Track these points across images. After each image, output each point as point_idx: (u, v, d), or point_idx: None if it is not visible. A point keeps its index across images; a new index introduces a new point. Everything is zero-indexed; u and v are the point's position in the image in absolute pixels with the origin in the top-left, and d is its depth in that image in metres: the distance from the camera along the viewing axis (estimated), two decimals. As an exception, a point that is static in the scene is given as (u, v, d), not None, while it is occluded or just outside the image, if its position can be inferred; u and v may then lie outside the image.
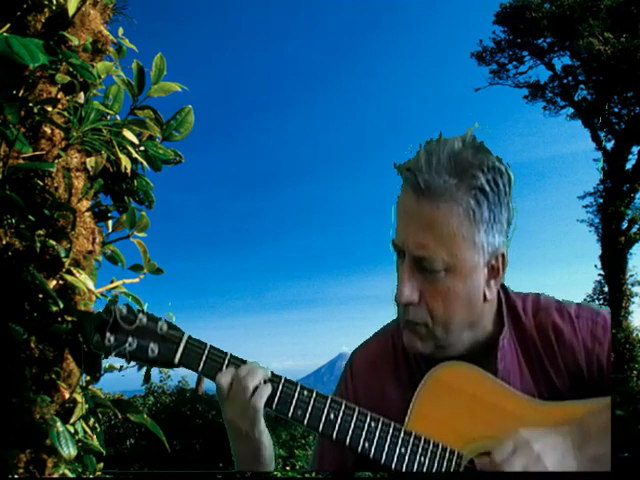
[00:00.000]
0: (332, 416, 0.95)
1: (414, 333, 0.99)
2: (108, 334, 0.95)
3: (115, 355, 0.96)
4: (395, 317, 1.09)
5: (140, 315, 0.97)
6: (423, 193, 0.92)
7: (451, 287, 0.95)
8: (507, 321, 1.03)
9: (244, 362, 0.98)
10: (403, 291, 0.96)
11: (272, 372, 0.98)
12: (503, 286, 1.06)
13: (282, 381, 0.97)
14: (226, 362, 0.97)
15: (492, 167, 0.93)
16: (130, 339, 0.96)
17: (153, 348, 0.96)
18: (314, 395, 0.96)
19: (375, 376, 1.09)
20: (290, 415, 0.96)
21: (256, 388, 0.94)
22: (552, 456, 0.91)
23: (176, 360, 0.97)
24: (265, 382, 0.96)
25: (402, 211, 0.97)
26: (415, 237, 0.94)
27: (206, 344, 0.98)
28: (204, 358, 0.97)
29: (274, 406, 0.96)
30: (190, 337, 0.98)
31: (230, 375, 0.96)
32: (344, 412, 0.96)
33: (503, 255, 0.98)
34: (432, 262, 0.93)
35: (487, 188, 0.92)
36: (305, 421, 0.95)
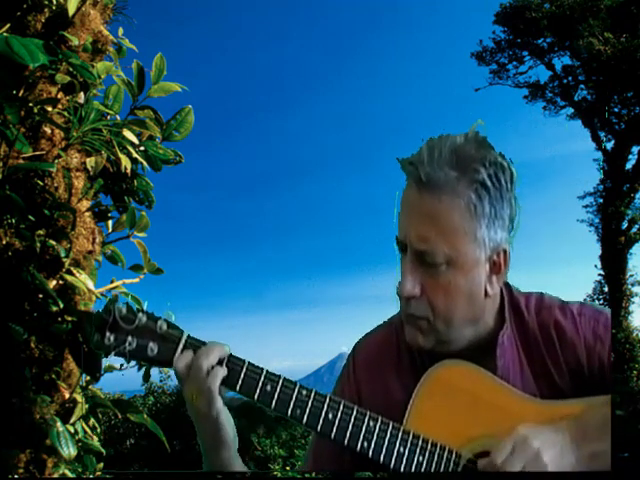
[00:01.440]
0: (331, 415, 0.95)
1: (416, 327, 0.99)
2: (108, 333, 0.95)
3: (115, 354, 0.96)
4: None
5: (140, 314, 0.97)
6: (425, 186, 0.92)
7: (452, 281, 0.95)
8: (508, 318, 1.03)
9: (204, 344, 0.98)
10: (405, 284, 0.96)
11: (268, 370, 0.97)
12: (507, 284, 1.07)
13: (280, 380, 0.96)
14: (181, 345, 0.97)
15: (494, 162, 0.93)
16: (130, 338, 0.96)
17: (152, 347, 0.96)
18: (313, 394, 0.96)
19: (378, 368, 1.09)
20: (289, 415, 0.95)
21: (211, 369, 0.94)
22: (551, 453, 0.91)
23: (175, 359, 0.97)
24: (221, 364, 0.96)
25: (404, 205, 0.97)
26: (417, 230, 0.94)
27: (205, 343, 0.98)
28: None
29: (273, 406, 0.96)
30: (189, 336, 0.98)
31: (190, 357, 0.96)
32: (343, 411, 0.96)
33: (505, 251, 0.98)
34: (434, 255, 0.93)
35: (488, 183, 0.92)
36: (304, 421, 0.95)
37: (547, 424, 0.95)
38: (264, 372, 0.97)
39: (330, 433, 0.95)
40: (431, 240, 0.93)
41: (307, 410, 0.95)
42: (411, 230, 0.95)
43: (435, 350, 1.00)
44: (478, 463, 0.94)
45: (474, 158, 0.92)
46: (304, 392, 0.96)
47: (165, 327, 0.97)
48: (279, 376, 0.97)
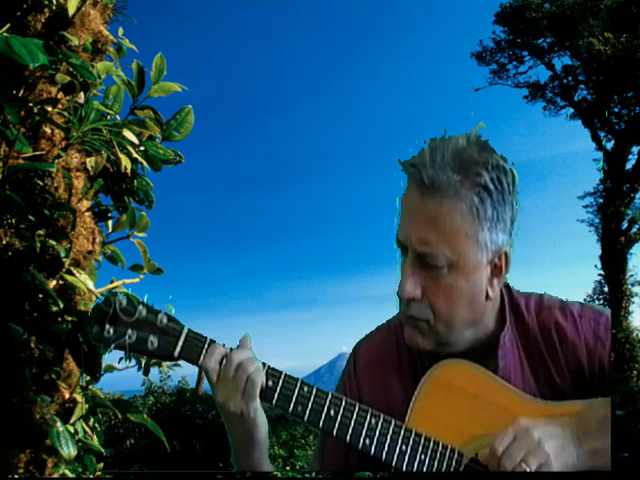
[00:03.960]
0: (332, 412, 0.95)
1: (416, 329, 0.99)
2: (107, 326, 0.95)
3: (115, 348, 0.96)
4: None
5: (140, 307, 0.97)
6: (427, 189, 0.92)
7: (453, 284, 0.95)
8: (509, 319, 1.03)
9: (205, 338, 0.98)
10: (405, 286, 0.96)
11: (270, 366, 0.98)
12: (507, 285, 1.07)
13: (282, 376, 0.96)
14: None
15: (496, 166, 0.93)
16: (130, 331, 0.95)
17: (153, 341, 0.96)
18: (314, 391, 0.96)
19: (379, 369, 1.10)
20: (290, 411, 0.95)
21: (255, 370, 0.95)
22: (552, 443, 0.91)
23: (176, 353, 0.96)
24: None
25: (406, 207, 0.97)
26: (418, 233, 0.94)
27: (206, 337, 0.98)
28: (204, 351, 0.97)
29: (274, 402, 0.96)
30: (190, 330, 0.98)
31: (220, 355, 0.96)
32: (345, 408, 0.96)
33: (506, 254, 0.98)
34: (435, 258, 0.93)
35: (491, 186, 0.92)
36: (305, 417, 0.95)
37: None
38: (265, 367, 0.97)
39: (332, 430, 0.95)
40: (432, 243, 0.93)
41: (309, 407, 0.95)
42: (412, 232, 0.95)
43: (435, 351, 1.00)
44: (479, 455, 0.94)
45: (476, 161, 0.92)
46: (306, 388, 0.96)
47: (166, 320, 0.97)
48: (281, 372, 0.97)
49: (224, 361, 0.96)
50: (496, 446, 0.91)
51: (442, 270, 0.94)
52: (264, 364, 0.98)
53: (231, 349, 0.98)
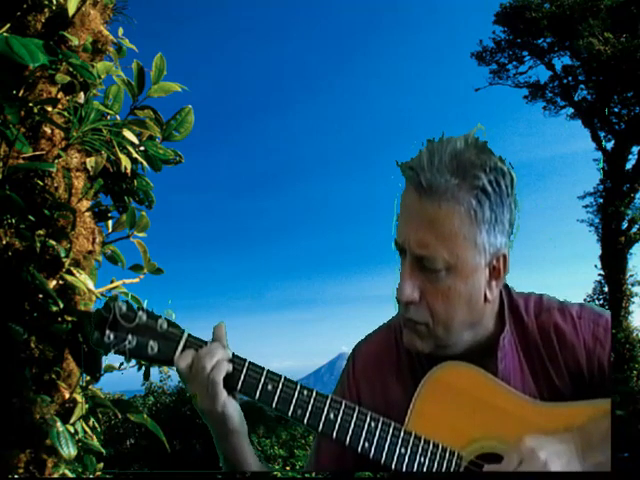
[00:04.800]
0: (332, 416, 0.95)
1: (414, 332, 0.99)
2: (107, 331, 0.95)
3: (115, 352, 0.96)
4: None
5: (140, 313, 0.97)
6: (425, 192, 0.92)
7: (452, 287, 0.95)
8: (508, 321, 1.03)
9: (205, 343, 0.98)
10: (404, 289, 0.96)
11: (269, 370, 0.98)
12: (506, 286, 1.07)
13: (282, 380, 0.97)
14: (182, 344, 0.97)
15: (494, 168, 0.93)
16: (130, 337, 0.96)
17: (153, 346, 0.96)
18: (314, 394, 0.96)
19: (378, 370, 1.09)
20: (290, 414, 0.96)
21: (214, 367, 0.95)
22: (558, 464, 0.91)
23: (176, 357, 0.97)
24: (224, 361, 0.96)
25: (404, 209, 0.97)
26: (416, 235, 0.94)
27: (206, 342, 0.98)
28: None
29: (274, 405, 0.96)
30: (190, 335, 0.98)
31: (190, 357, 0.96)
32: (344, 412, 0.96)
33: (505, 256, 0.98)
34: (433, 261, 0.93)
35: (489, 189, 0.92)
36: (305, 420, 0.95)
37: (549, 427, 0.95)
38: (265, 372, 0.97)
39: (332, 433, 0.95)
40: (431, 246, 0.93)
41: (308, 410, 0.96)
42: (410, 235, 0.95)
43: (434, 353, 1.00)
44: (484, 470, 0.94)
45: (474, 164, 0.92)
46: (305, 392, 0.96)
47: (166, 326, 0.97)
48: (280, 376, 0.97)
49: (193, 363, 0.96)
50: (502, 469, 0.91)
51: (440, 273, 0.94)
52: (256, 366, 0.97)
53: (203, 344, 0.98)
